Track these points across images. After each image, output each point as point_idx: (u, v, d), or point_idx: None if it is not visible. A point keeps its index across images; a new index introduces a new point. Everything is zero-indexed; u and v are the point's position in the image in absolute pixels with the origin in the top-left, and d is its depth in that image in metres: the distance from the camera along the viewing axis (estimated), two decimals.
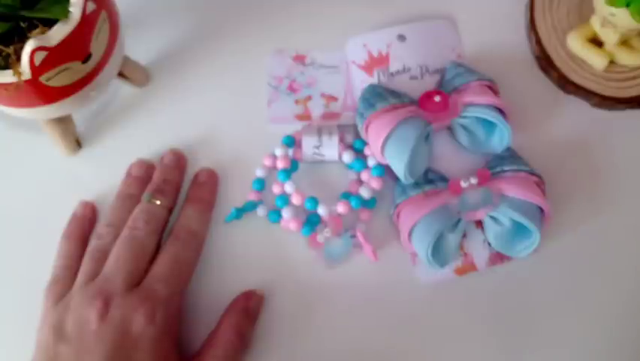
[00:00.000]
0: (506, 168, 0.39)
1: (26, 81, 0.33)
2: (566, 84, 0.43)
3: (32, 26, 0.33)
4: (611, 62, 0.42)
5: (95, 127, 0.43)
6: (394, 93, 0.40)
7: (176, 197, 0.40)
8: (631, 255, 0.40)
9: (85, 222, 0.40)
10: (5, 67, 0.33)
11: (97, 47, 0.36)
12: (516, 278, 0.39)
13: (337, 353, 0.38)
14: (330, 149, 0.40)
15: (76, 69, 0.35)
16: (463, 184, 0.38)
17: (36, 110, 0.37)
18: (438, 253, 0.37)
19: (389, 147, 0.38)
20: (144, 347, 0.34)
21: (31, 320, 0.37)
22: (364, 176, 0.40)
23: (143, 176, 0.41)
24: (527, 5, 0.45)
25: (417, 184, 0.39)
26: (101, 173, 0.42)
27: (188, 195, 0.40)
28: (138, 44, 0.44)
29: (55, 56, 0.33)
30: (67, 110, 0.39)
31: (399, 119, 0.38)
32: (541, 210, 0.38)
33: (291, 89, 0.43)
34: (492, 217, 0.38)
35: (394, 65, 0.43)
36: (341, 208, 0.39)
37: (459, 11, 0.45)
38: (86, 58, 0.35)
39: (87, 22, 0.34)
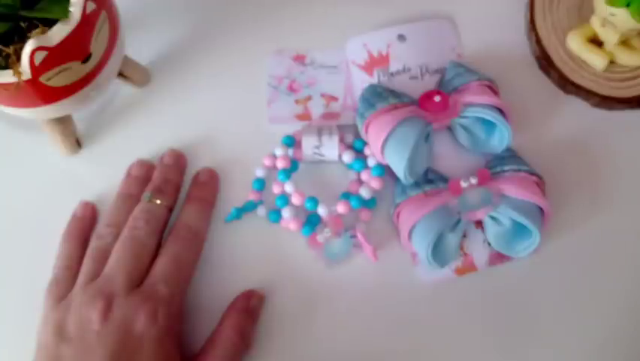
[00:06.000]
0: (506, 168, 0.39)
1: (26, 81, 0.33)
2: (566, 84, 0.43)
3: (32, 26, 0.33)
4: (611, 62, 0.42)
5: (95, 127, 0.43)
6: (394, 93, 0.40)
7: (176, 197, 0.40)
8: (631, 255, 0.40)
9: (85, 223, 0.40)
10: (5, 67, 0.33)
11: (97, 47, 0.36)
12: (516, 278, 0.39)
13: (337, 352, 0.38)
14: (330, 149, 0.40)
15: (77, 69, 0.35)
16: (463, 184, 0.38)
17: (36, 110, 0.37)
18: (438, 253, 0.37)
19: (389, 147, 0.38)
20: (146, 347, 0.34)
21: (32, 320, 0.37)
22: (364, 176, 0.40)
23: (143, 176, 0.41)
24: (527, 5, 0.45)
25: (417, 184, 0.39)
26: (101, 173, 0.42)
27: (188, 195, 0.40)
28: (138, 44, 0.44)
29: (55, 56, 0.33)
30: (67, 110, 0.39)
31: (399, 119, 0.38)
32: (541, 210, 0.38)
33: (291, 89, 0.43)
34: (492, 217, 0.38)
35: (394, 65, 0.43)
36: (341, 208, 0.39)
37: (459, 11, 0.45)
38: (86, 58, 0.35)
39: (87, 22, 0.34)
